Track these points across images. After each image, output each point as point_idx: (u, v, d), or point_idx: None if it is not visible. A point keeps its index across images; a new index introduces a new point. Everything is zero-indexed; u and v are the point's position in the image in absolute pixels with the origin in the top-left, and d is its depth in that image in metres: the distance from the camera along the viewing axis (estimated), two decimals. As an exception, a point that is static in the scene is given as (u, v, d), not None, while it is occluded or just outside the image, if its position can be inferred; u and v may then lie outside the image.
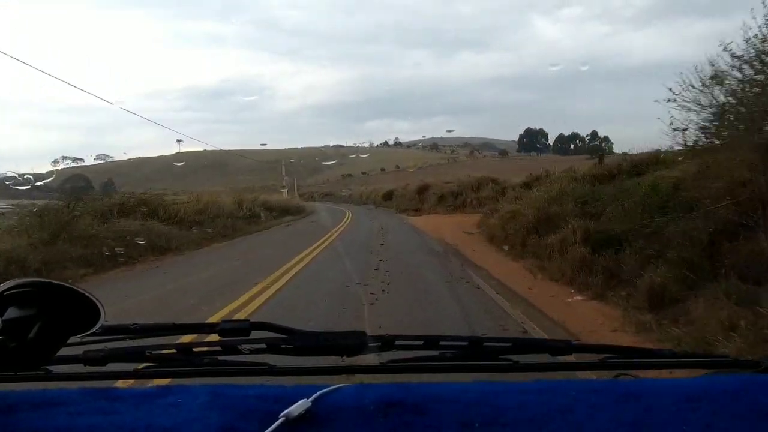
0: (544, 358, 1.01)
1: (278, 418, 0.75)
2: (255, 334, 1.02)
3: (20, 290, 0.77)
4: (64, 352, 0.87)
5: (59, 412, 0.82)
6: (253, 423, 0.76)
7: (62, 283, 0.79)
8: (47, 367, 0.95)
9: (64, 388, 0.91)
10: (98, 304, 0.81)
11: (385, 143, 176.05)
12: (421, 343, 1.03)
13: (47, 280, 0.79)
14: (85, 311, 0.80)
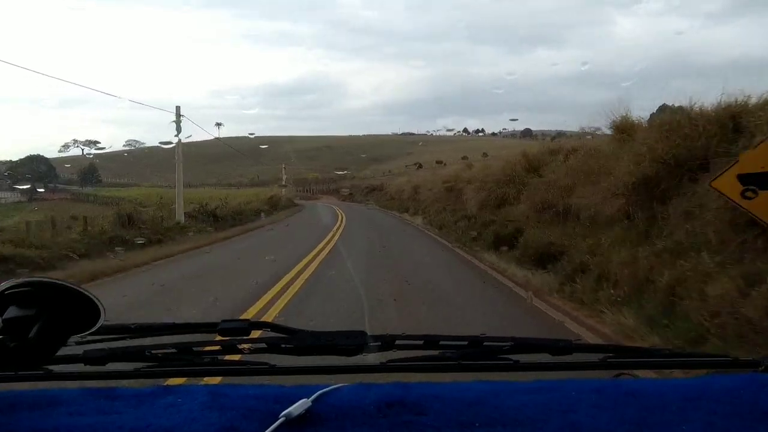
0: (544, 357, 1.01)
1: (278, 418, 0.75)
2: (255, 334, 1.02)
3: (20, 290, 0.77)
4: (64, 351, 0.87)
5: (59, 411, 0.81)
6: (254, 423, 0.76)
7: (62, 283, 0.79)
8: (47, 366, 0.95)
9: (65, 387, 0.91)
10: (98, 303, 0.80)
11: (465, 130, 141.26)
12: (421, 342, 1.03)
13: (47, 280, 0.78)
14: (85, 311, 0.80)
